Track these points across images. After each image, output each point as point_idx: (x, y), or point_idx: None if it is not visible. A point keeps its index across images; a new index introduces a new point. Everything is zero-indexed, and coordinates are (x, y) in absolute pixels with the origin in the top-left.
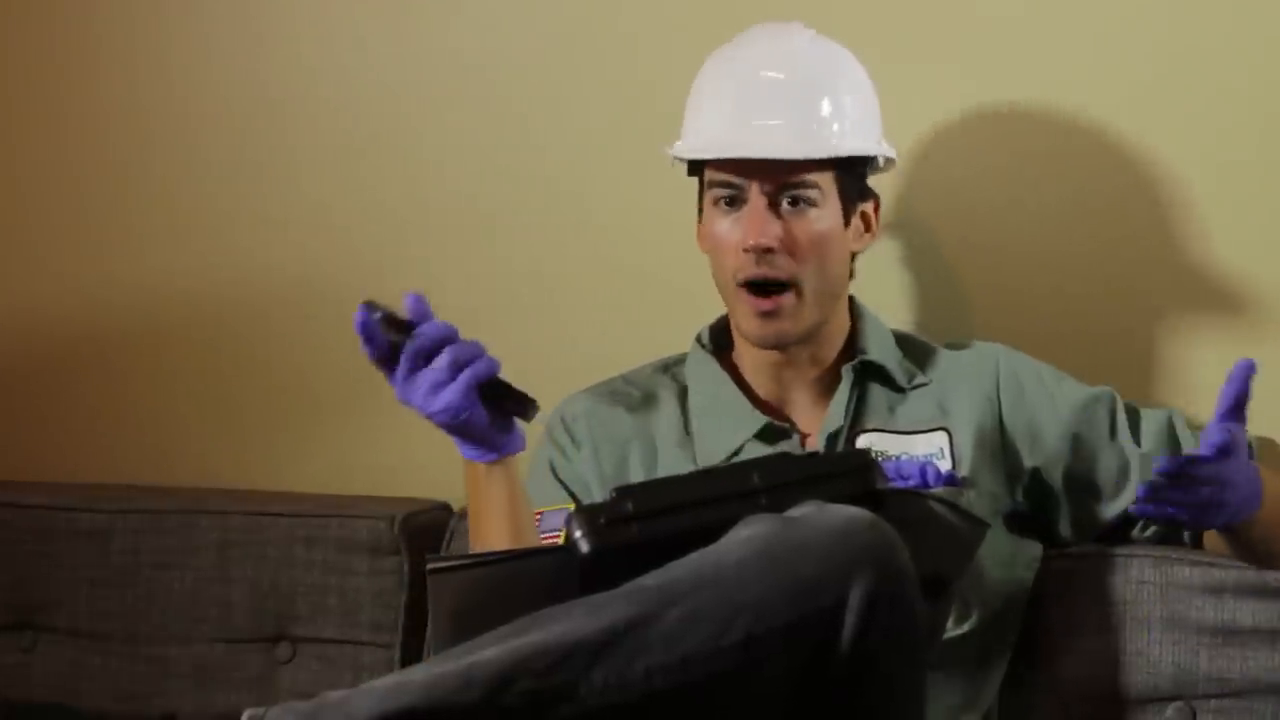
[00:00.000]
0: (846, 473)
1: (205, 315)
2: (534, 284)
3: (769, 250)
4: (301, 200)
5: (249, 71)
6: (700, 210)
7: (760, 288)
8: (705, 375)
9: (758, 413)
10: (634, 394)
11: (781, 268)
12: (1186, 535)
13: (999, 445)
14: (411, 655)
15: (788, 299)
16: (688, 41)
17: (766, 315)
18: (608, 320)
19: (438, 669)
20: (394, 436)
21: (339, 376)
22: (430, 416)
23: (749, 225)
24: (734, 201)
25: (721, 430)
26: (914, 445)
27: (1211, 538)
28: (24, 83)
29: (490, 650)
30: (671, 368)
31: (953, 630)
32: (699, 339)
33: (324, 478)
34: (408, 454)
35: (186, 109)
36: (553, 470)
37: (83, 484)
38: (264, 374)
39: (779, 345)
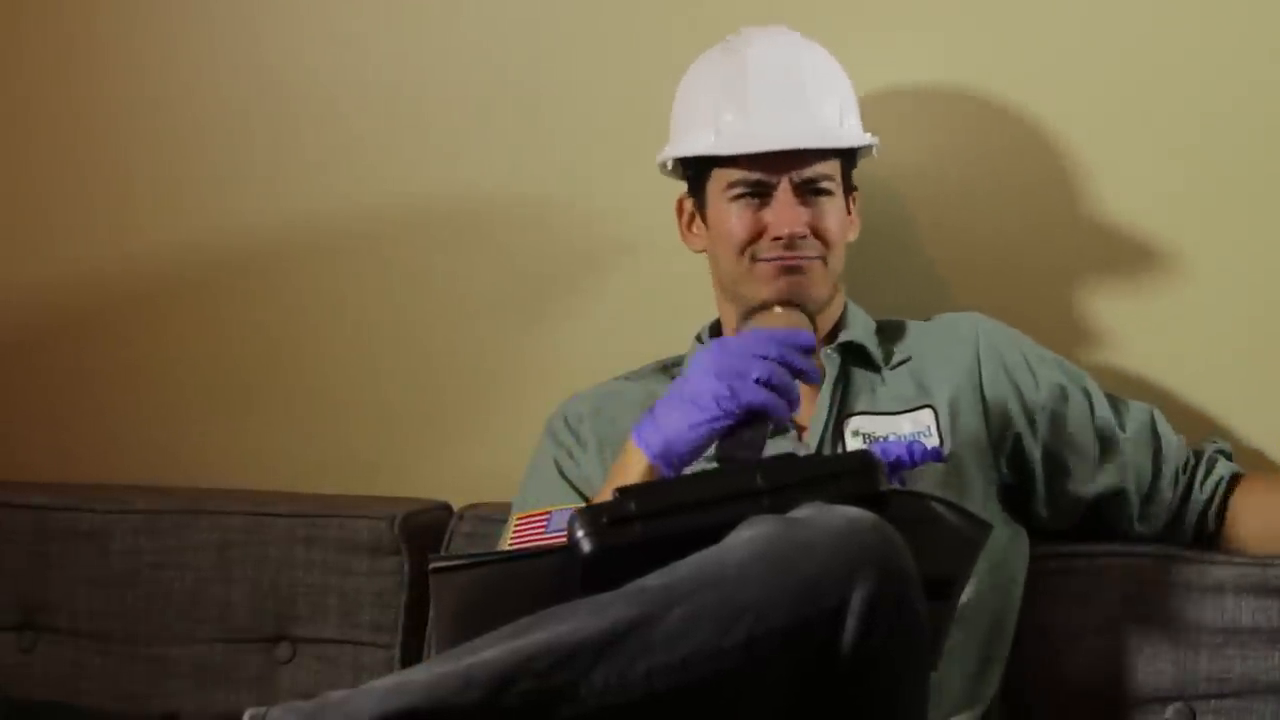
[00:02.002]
0: (849, 474)
1: (206, 315)
2: (533, 284)
3: (802, 237)
4: (303, 201)
5: (250, 69)
6: (693, 213)
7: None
8: None
9: None
10: (636, 394)
11: (810, 249)
12: (1187, 533)
13: (981, 416)
14: (411, 655)
15: (814, 262)
16: (687, 42)
17: (791, 270)
18: (607, 320)
19: (439, 669)
20: (394, 436)
21: (340, 376)
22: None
23: (781, 215)
24: (756, 195)
25: None
26: (901, 425)
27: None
28: (21, 78)
29: (491, 650)
30: (670, 368)
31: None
32: (698, 338)
33: (324, 478)
34: (408, 454)
35: (190, 108)
36: (559, 470)
37: (83, 484)
38: (265, 373)
39: (800, 299)
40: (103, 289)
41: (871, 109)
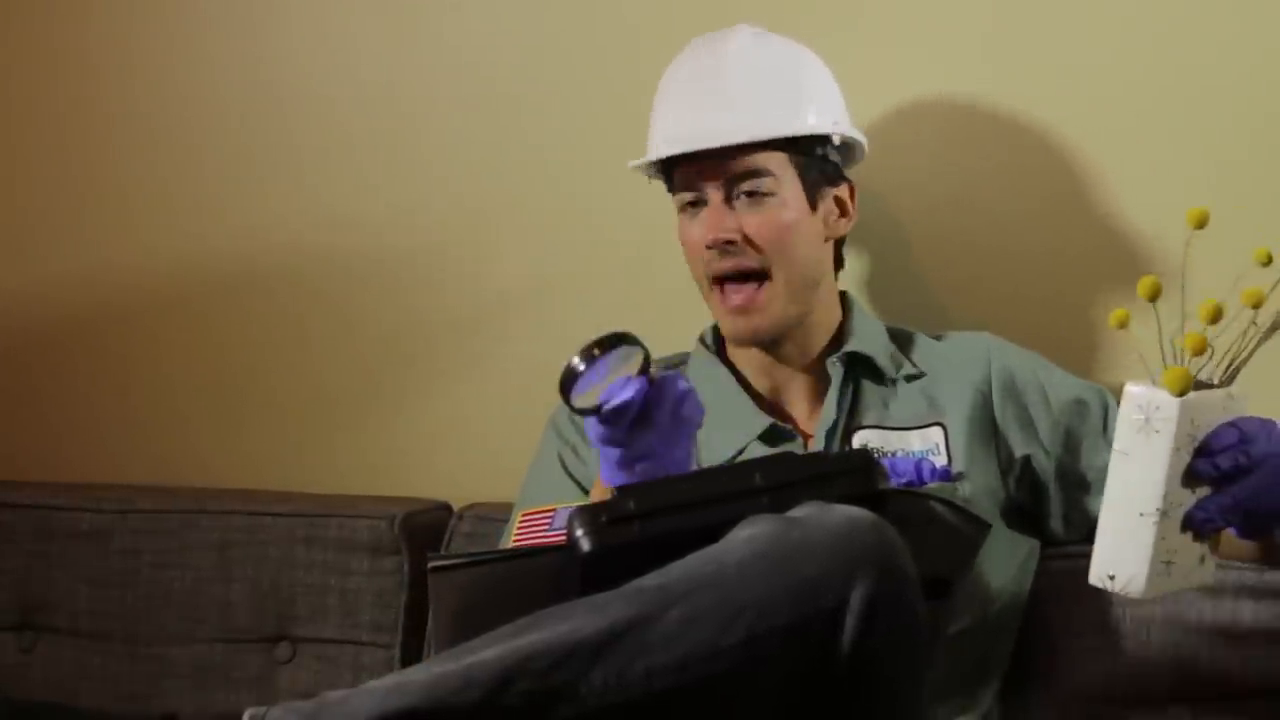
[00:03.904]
0: (848, 473)
1: (206, 315)
2: (531, 283)
3: (730, 243)
4: (302, 201)
5: (244, 75)
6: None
7: (730, 279)
8: (709, 376)
9: (762, 414)
10: None
11: (748, 257)
12: None
13: (991, 436)
14: (411, 655)
15: (760, 292)
16: (686, 41)
17: (738, 311)
18: (605, 320)
19: (438, 669)
20: (394, 436)
21: (340, 376)
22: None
23: (708, 222)
24: (697, 204)
25: (726, 431)
26: (910, 441)
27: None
28: (14, 86)
29: (491, 650)
30: (673, 368)
31: (953, 629)
32: (702, 339)
33: (324, 478)
34: (408, 454)
35: (186, 110)
36: (564, 466)
37: (83, 484)
38: (265, 374)
39: (756, 340)
40: (102, 291)
41: (875, 119)
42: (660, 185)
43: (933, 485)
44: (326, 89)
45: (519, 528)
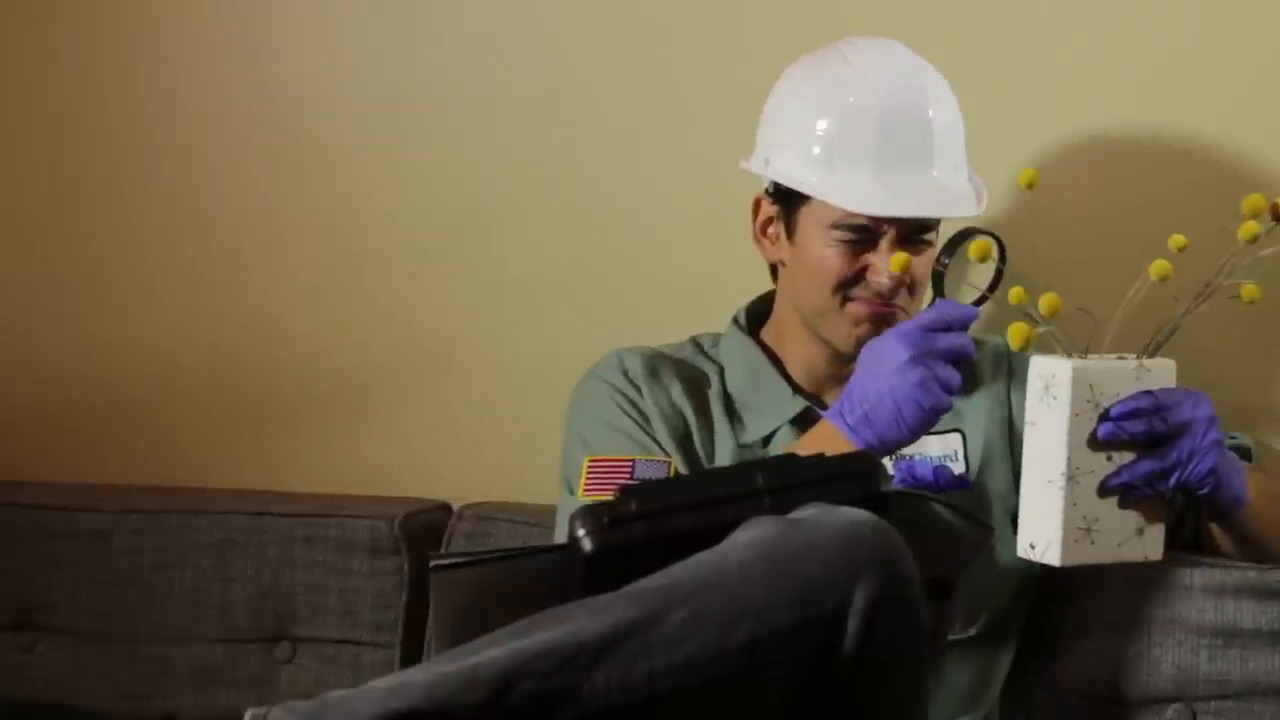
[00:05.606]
0: (851, 475)
1: (205, 315)
2: (531, 284)
3: (902, 286)
4: (302, 201)
5: (247, 71)
6: (771, 218)
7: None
8: (745, 356)
9: (798, 397)
10: (683, 379)
11: (902, 298)
12: (1188, 534)
13: (1008, 443)
14: (412, 655)
15: (900, 312)
16: (688, 40)
17: (881, 319)
18: (605, 319)
19: (440, 669)
20: (394, 436)
21: (339, 377)
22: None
23: (885, 267)
24: (864, 240)
25: (760, 412)
26: (929, 446)
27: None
28: (30, 115)
29: (493, 650)
30: (707, 350)
31: (959, 631)
32: (736, 320)
33: (324, 478)
34: (408, 454)
35: (187, 110)
36: (633, 417)
37: (83, 484)
38: (264, 374)
39: None
40: (104, 290)
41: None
42: (660, 184)
43: (948, 493)
44: (325, 89)
45: (589, 475)
